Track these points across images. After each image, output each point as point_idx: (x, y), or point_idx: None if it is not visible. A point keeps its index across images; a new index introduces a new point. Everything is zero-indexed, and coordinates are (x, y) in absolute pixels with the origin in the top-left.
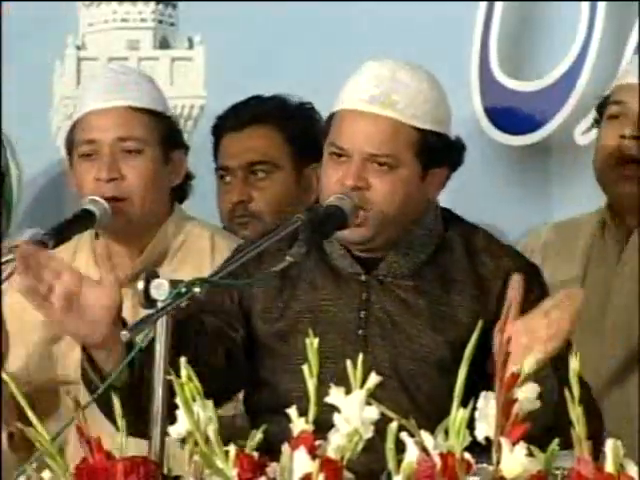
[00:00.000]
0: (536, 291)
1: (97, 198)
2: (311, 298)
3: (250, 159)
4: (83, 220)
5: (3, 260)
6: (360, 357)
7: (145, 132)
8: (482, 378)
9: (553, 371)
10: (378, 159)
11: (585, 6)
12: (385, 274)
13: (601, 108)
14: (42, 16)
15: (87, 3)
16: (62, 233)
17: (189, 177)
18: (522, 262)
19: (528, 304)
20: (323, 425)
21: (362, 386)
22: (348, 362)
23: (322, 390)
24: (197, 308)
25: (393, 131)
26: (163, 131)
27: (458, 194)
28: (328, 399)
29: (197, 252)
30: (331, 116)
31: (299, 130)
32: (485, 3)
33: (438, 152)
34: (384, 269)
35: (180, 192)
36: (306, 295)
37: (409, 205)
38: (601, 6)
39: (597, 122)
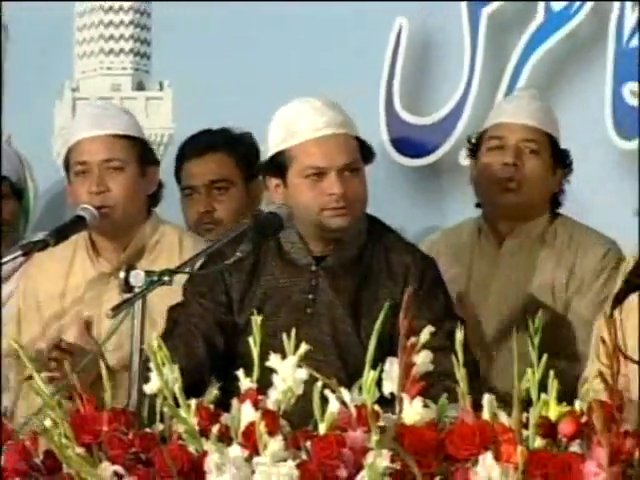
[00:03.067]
0: (428, 276)
1: (87, 206)
2: (271, 285)
3: (211, 178)
4: (76, 224)
5: (15, 255)
6: (293, 331)
7: (125, 153)
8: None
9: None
10: (350, 166)
11: (467, 60)
12: (330, 265)
13: (477, 140)
14: (46, 66)
15: (80, 55)
16: (60, 234)
17: (161, 186)
18: (418, 256)
19: (424, 285)
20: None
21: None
22: (284, 335)
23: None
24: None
25: (350, 143)
26: (139, 151)
27: (369, 203)
28: (268, 363)
29: (168, 249)
30: (279, 154)
31: (245, 154)
32: (389, 57)
33: (368, 151)
34: (330, 261)
35: (154, 198)
36: (267, 284)
37: (367, 198)
38: (479, 60)
39: (472, 151)
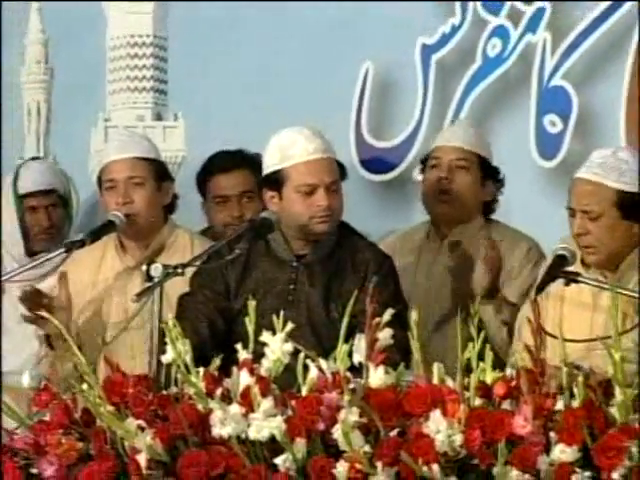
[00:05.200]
0: (383, 269)
1: (117, 213)
2: (260, 277)
3: (241, 190)
4: (107, 227)
5: (59, 251)
6: (282, 313)
7: (145, 172)
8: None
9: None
10: (334, 185)
11: (420, 96)
12: (308, 262)
13: (425, 160)
14: (83, 100)
15: (111, 92)
16: (95, 235)
17: (176, 197)
18: (378, 254)
19: (380, 278)
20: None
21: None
22: (274, 317)
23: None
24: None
25: (333, 165)
26: (157, 170)
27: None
28: (260, 338)
29: (182, 247)
30: (275, 172)
31: (260, 171)
32: (358, 93)
33: (343, 171)
34: (308, 259)
35: (171, 207)
36: (257, 276)
37: (343, 208)
38: (429, 97)
39: (422, 169)
